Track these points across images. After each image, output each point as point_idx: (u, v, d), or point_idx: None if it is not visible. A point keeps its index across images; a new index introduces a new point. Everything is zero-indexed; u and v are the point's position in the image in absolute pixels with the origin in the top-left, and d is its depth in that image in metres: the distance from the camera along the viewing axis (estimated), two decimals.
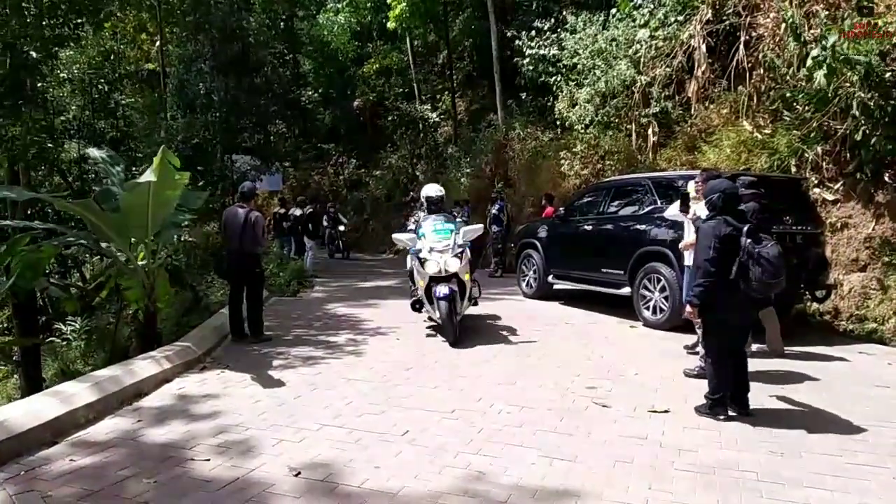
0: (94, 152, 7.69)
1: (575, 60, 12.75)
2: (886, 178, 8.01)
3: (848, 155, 8.34)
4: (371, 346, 6.98)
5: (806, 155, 8.85)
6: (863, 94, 7.93)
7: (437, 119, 23.26)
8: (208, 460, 3.87)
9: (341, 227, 19.29)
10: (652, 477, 3.64)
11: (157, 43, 18.84)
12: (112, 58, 17.56)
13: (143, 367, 5.46)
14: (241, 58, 16.47)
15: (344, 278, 13.67)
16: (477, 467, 3.77)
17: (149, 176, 5.75)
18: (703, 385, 5.28)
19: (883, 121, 7.90)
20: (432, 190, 7.94)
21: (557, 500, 3.39)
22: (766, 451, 4.00)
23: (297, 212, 14.22)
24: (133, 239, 6.70)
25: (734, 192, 4.57)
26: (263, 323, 7.33)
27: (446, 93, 24.48)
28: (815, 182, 8.70)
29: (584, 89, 12.43)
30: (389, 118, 23.38)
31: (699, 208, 5.72)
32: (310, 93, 25.71)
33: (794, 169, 8.91)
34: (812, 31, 8.55)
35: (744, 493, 3.43)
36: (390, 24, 19.91)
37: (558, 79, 13.52)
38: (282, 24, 23.84)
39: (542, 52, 14.06)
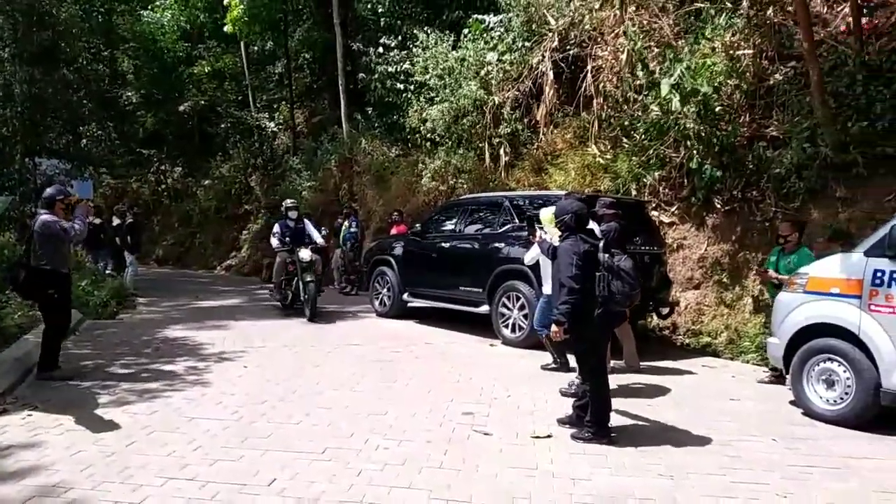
0: None
1: (426, 77, 12.65)
2: (716, 203, 8.69)
3: (684, 181, 8.96)
4: (216, 376, 6.14)
5: (645, 180, 9.40)
6: (697, 126, 8.58)
7: (275, 129, 22.16)
8: None
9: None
10: None
11: None
12: None
13: None
14: (51, 48, 14.42)
15: (173, 297, 12.30)
16: None
17: None
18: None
19: (714, 150, 8.59)
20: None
21: None
22: (656, 474, 3.93)
23: (116, 222, 12.58)
24: None
25: (584, 211, 4.65)
26: (57, 355, 5.99)
27: (283, 103, 23.48)
28: (654, 205, 9.25)
29: (435, 106, 12.35)
30: (222, 125, 21.84)
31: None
32: (130, 93, 23.38)
33: (633, 192, 9.43)
34: (654, 65, 9.10)
35: None
36: (228, 28, 18.65)
37: (408, 95, 13.38)
38: (98, 16, 21.40)
39: (391, 68, 13.86)
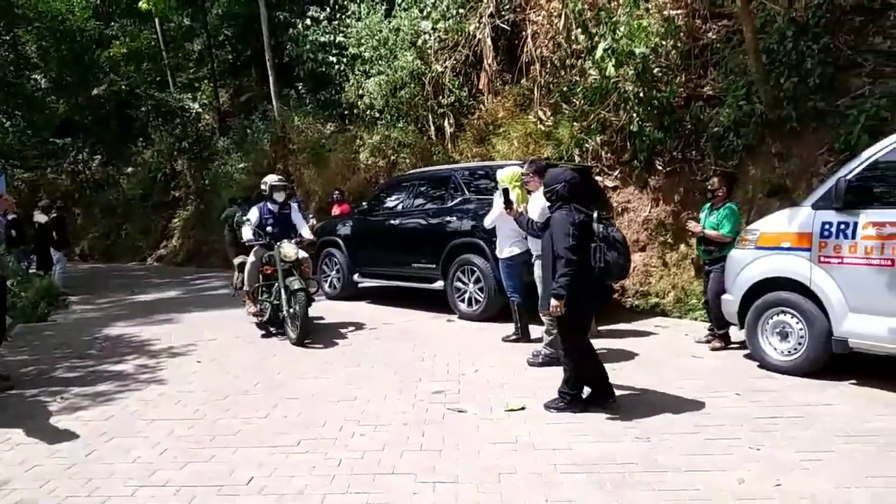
0: None
1: (361, 49, 12.31)
2: (658, 165, 8.85)
3: (626, 144, 9.08)
4: (170, 373, 5.87)
5: (587, 145, 9.48)
6: (636, 88, 8.67)
7: (200, 109, 21.21)
8: None
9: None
10: (542, 485, 3.38)
11: None
12: None
13: None
14: None
15: (107, 293, 11.72)
16: None
17: None
18: (548, 373, 5.30)
19: (653, 112, 8.71)
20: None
21: None
22: (633, 438, 3.99)
23: (42, 218, 11.78)
24: None
25: (577, 180, 4.49)
26: None
27: (206, 81, 22.50)
28: (597, 170, 9.35)
29: (371, 79, 12.05)
30: (142, 108, 20.75)
31: (533, 200, 5.66)
32: (37, 76, 21.85)
33: (577, 158, 9.49)
34: (593, 28, 9.11)
35: (636, 488, 3.32)
36: (142, 5, 17.60)
37: (342, 68, 13.01)
38: None
39: (322, 39, 13.40)
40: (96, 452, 4.03)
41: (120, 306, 10.19)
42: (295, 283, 6.71)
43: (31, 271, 11.70)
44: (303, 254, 7.15)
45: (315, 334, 7.08)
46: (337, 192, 12.02)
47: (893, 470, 3.43)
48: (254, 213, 7.32)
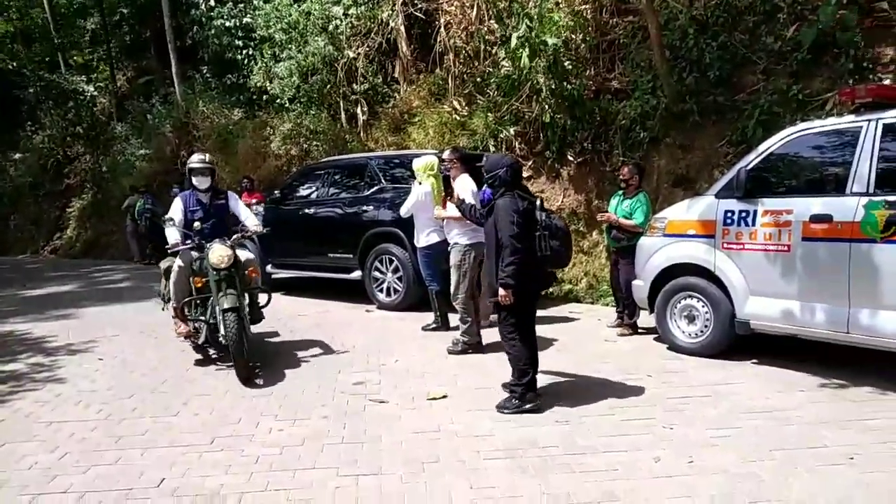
0: None
1: (270, 32, 11.90)
2: (569, 156, 9.07)
3: (539, 135, 9.24)
4: (69, 371, 5.49)
5: (501, 136, 9.58)
6: (547, 80, 8.83)
7: (95, 92, 19.91)
8: None
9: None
10: (466, 473, 3.39)
11: None
12: None
13: None
14: None
15: None
16: None
17: None
18: (467, 361, 5.35)
19: (564, 104, 8.91)
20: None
21: None
22: (553, 422, 4.07)
23: None
24: None
25: (519, 167, 4.46)
26: None
27: (102, 63, 21.15)
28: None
29: (281, 64, 11.68)
30: (30, 89, 19.24)
31: (458, 186, 5.65)
32: None
33: (492, 148, 9.58)
34: (507, 19, 9.18)
35: (557, 471, 3.39)
36: None
37: (249, 52, 12.54)
38: None
39: (227, 23, 12.87)
40: None
41: (9, 301, 9.43)
42: (225, 301, 5.01)
43: None
44: (246, 255, 5.66)
45: None
46: (246, 179, 11.53)
47: (792, 443, 3.66)
48: (176, 207, 5.56)
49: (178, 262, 5.46)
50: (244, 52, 12.64)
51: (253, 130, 13.26)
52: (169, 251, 5.52)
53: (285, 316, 7.59)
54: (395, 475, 3.39)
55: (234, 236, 5.50)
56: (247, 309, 5.42)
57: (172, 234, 5.44)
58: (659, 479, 3.27)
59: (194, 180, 5.61)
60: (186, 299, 5.50)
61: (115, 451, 3.78)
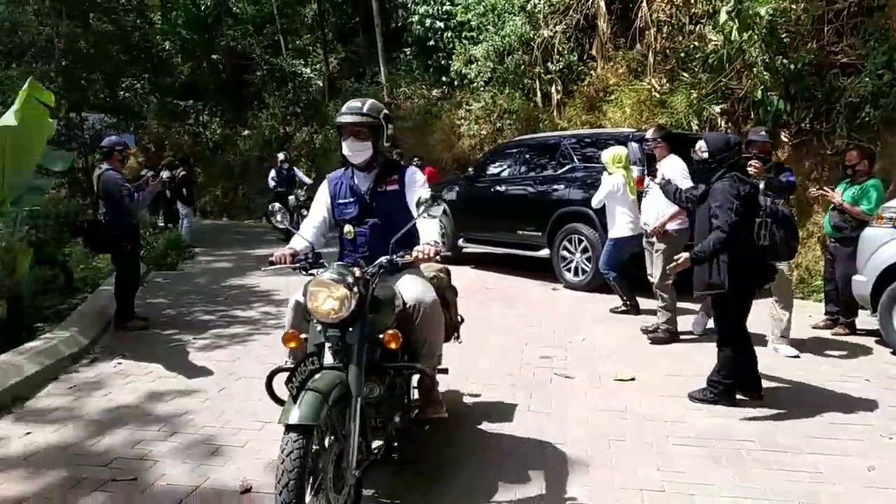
0: None
1: (469, 16, 12.26)
2: (783, 137, 8.34)
3: (749, 114, 8.61)
4: None
5: (705, 114, 9.06)
6: (761, 54, 8.16)
7: (311, 75, 21.89)
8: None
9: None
10: (654, 455, 3.36)
11: None
12: None
13: (19, 362, 4.40)
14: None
15: (227, 247, 12.45)
16: None
17: (10, 119, 4.52)
18: (662, 349, 5.24)
19: (780, 80, 8.19)
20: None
21: (569, 488, 3.01)
22: (751, 416, 3.86)
23: (166, 174, 12.67)
24: None
25: (741, 146, 4.16)
26: (132, 305, 6.14)
27: (318, 45, 23.14)
28: None
29: (479, 45, 12.00)
30: (258, 73, 21.69)
31: (663, 168, 5.43)
32: (163, 43, 23.24)
33: (694, 128, 9.10)
34: None
35: (753, 465, 3.23)
36: None
37: (450, 35, 13.02)
38: None
39: (430, 9, 13.47)
40: (227, 390, 4.37)
41: (240, 259, 10.81)
42: (295, 411, 2.30)
43: (159, 224, 12.65)
44: (398, 293, 2.99)
45: None
46: (416, 158, 12.10)
47: None
48: (318, 198, 3.41)
49: (297, 294, 3.04)
50: (444, 34, 13.12)
51: (448, 111, 13.80)
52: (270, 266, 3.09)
53: (472, 288, 7.86)
54: (581, 447, 3.45)
55: (388, 258, 2.79)
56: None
57: (295, 241, 3.16)
58: (871, 488, 3.01)
59: (345, 147, 3.16)
60: (276, 368, 2.71)
61: None
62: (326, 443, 2.44)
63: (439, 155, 13.00)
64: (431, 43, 14.09)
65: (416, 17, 13.90)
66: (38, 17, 14.01)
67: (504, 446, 3.49)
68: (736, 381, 4.04)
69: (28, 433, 3.66)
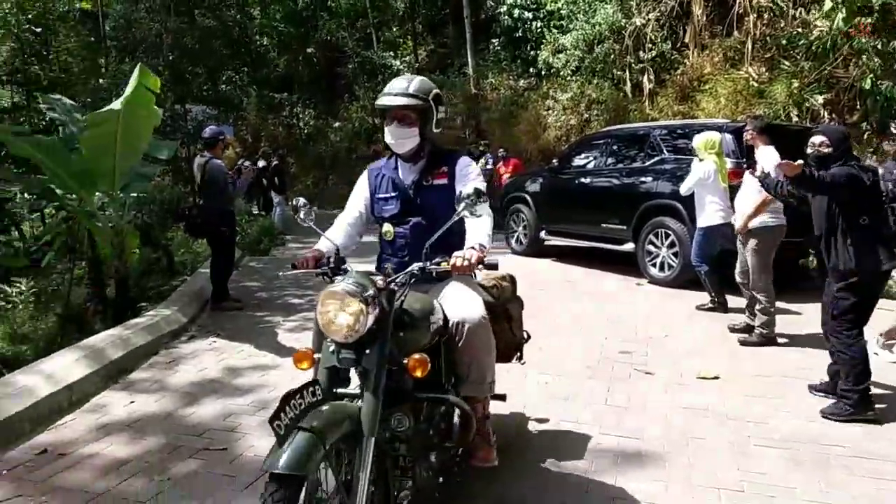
0: (50, 97, 6.65)
1: (559, 5, 12.13)
2: (892, 129, 7.80)
3: (856, 104, 8.11)
4: None
5: (807, 104, 8.60)
6: (873, 40, 7.65)
7: (400, 67, 22.27)
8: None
9: None
10: (734, 454, 3.28)
11: None
12: None
13: (126, 336, 4.81)
14: None
15: (314, 236, 12.86)
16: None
17: (117, 104, 4.88)
18: (752, 351, 5.05)
19: (892, 68, 7.66)
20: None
21: (642, 482, 2.99)
22: (843, 421, 3.68)
23: (262, 164, 13.31)
24: (98, 193, 5.85)
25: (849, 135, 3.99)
26: (227, 290, 6.52)
27: (406, 39, 23.48)
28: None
29: (568, 35, 11.85)
30: (350, 66, 22.29)
31: (762, 159, 5.20)
32: (261, 38, 24.27)
33: (794, 118, 8.66)
34: None
35: (840, 472, 3.09)
36: None
37: (538, 25, 12.93)
38: None
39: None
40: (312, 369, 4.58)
41: None
42: (281, 456, 1.81)
43: (254, 212, 13.29)
44: (428, 308, 2.49)
45: None
46: (502, 149, 12.07)
47: None
48: (356, 192, 3.18)
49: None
50: (533, 24, 13.04)
51: (535, 101, 13.71)
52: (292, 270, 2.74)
53: (553, 280, 7.86)
54: (659, 443, 3.41)
55: (421, 265, 2.32)
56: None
57: (322, 243, 2.91)
58: None
59: (387, 133, 2.78)
60: (287, 392, 1.93)
61: None
62: (323, 494, 1.97)
63: (525, 146, 12.93)
64: (519, 34, 14.03)
65: (504, 8, 13.87)
66: (150, 14, 14.97)
67: (576, 437, 3.50)
68: (868, 386, 3.76)
69: (132, 402, 4.01)
